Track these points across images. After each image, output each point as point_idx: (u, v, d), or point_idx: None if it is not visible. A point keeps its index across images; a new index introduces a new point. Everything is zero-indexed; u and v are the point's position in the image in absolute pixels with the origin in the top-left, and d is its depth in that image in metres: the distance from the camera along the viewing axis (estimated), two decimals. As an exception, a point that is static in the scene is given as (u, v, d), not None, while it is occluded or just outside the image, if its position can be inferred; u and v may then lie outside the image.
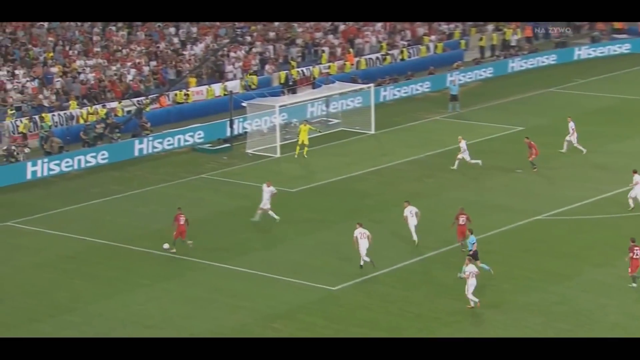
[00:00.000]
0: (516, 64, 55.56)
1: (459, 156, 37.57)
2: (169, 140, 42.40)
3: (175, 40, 51.91)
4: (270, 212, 32.10)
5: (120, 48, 49.87)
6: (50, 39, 49.34)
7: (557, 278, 27.74)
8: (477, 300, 25.82)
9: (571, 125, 39.64)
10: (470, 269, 25.93)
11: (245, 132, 43.34)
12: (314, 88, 48.50)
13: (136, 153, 41.44)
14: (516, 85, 52.09)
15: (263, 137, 42.70)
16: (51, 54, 47.70)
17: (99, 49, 49.31)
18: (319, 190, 36.20)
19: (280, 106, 42.70)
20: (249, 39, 53.49)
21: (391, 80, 51.23)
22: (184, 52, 50.77)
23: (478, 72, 53.79)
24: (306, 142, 40.42)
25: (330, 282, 27.90)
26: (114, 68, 47.72)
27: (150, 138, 42.05)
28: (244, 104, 43.40)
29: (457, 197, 34.75)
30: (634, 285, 26.88)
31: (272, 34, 54.42)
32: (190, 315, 26.10)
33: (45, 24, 50.25)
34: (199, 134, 43.17)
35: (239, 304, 26.73)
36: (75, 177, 38.96)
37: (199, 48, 51.38)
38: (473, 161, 37.46)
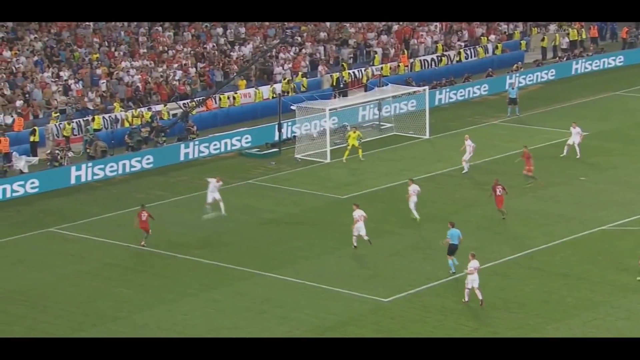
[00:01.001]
0: (580, 66, 54.84)
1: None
2: (215, 145, 42.72)
3: (223, 40, 52.32)
4: (213, 210, 32.64)
5: (166, 49, 50.43)
6: (95, 39, 50.11)
7: (624, 292, 27.26)
8: (480, 297, 26.11)
9: (577, 130, 39.00)
10: (473, 264, 26.23)
11: (294, 137, 43.47)
12: (366, 91, 48.47)
13: (182, 158, 41.82)
14: (580, 88, 51.43)
15: (312, 141, 42.78)
16: (96, 55, 48.43)
17: (144, 50, 49.92)
18: (370, 197, 36.13)
19: (331, 109, 42.73)
20: (298, 39, 53.68)
21: (447, 83, 50.95)
22: (232, 53, 51.14)
23: (539, 75, 53.23)
24: (357, 146, 40.36)
25: (381, 294, 27.81)
26: (160, 70, 48.26)
27: (197, 142, 42.41)
28: (293, 107, 43.53)
29: (516, 206, 34.39)
30: None
31: (323, 34, 54.53)
32: (236, 325, 26.22)
33: (91, 24, 51.03)
34: (247, 138, 43.42)
35: (288, 315, 26.78)
36: (119, 182, 39.45)
37: (247, 49, 51.71)
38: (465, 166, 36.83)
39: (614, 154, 39.86)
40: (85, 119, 43.60)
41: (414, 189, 32.74)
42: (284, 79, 48.69)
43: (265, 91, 48.63)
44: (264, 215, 34.85)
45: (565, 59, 55.92)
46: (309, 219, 34.09)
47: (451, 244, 28.75)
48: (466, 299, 26.81)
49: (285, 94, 46.86)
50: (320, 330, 25.73)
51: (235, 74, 48.42)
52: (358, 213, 30.76)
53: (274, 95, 47.62)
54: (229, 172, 40.15)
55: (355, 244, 30.76)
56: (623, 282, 27.96)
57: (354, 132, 41.00)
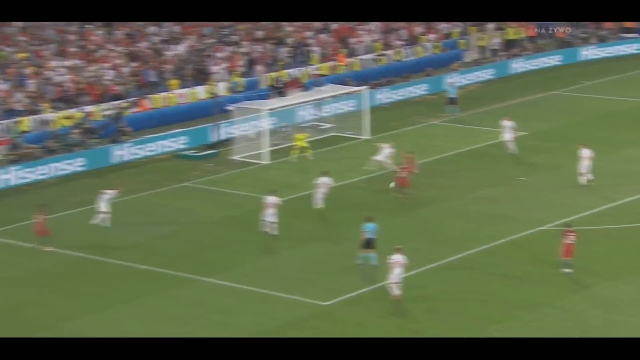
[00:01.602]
0: (519, 65, 55.74)
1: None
2: (150, 146, 42.35)
3: (157, 39, 51.89)
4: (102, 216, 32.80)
5: (97, 48, 49.82)
6: (23, 38, 49.24)
7: (564, 293, 27.76)
8: (398, 292, 26.47)
9: (508, 124, 39.74)
10: (396, 257, 26.56)
11: (232, 138, 43.34)
12: (304, 91, 48.56)
13: (115, 160, 41.36)
14: (519, 87, 52.28)
15: (251, 142, 42.72)
16: (24, 54, 47.60)
17: (75, 49, 49.24)
18: (310, 199, 36.16)
19: (269, 110, 42.73)
20: (235, 38, 53.54)
21: (386, 83, 51.34)
22: (167, 52, 50.76)
23: (478, 74, 53.97)
24: (306, 145, 40.50)
25: (322, 297, 27.89)
26: (91, 69, 47.66)
27: (130, 144, 41.98)
28: (229, 108, 43.39)
29: (456, 207, 34.82)
30: (567, 270, 27.88)
31: (259, 33, 54.48)
32: (173, 333, 26.01)
33: (19, 22, 50.17)
34: (183, 140, 43.14)
35: (226, 320, 26.68)
36: (50, 185, 38.85)
37: (182, 47, 51.38)
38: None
39: (553, 154, 40.60)
40: (12, 120, 42.81)
41: (324, 181, 33.68)
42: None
43: (201, 91, 48.37)
44: (201, 219, 34.67)
45: (504, 57, 56.75)
46: (247, 222, 34.00)
47: (368, 238, 29.15)
48: (392, 294, 26.94)
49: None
50: (260, 336, 25.65)
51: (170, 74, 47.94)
52: (272, 199, 31.24)
53: (210, 96, 47.39)
54: (164, 175, 39.86)
55: (267, 230, 31.25)
56: (563, 283, 28.48)
57: (302, 135, 40.99)
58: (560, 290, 27.93)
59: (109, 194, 33.37)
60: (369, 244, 29.35)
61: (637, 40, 59.90)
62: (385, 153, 38.16)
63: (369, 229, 29.46)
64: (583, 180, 36.21)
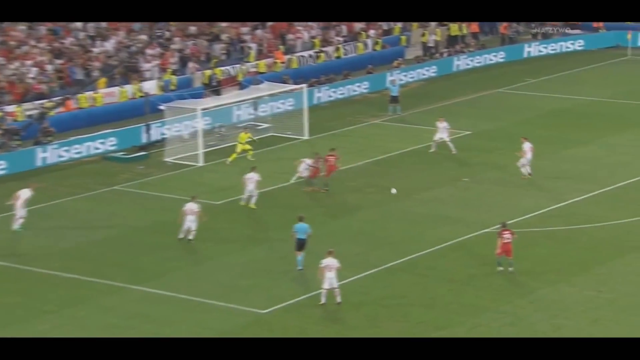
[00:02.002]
0: (462, 62, 56.43)
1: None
2: (76, 148, 41.86)
3: (82, 35, 51.31)
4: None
5: (19, 44, 49.07)
6: (-62, 33, 48.33)
7: (509, 297, 28.18)
8: (339, 300, 27.06)
9: (442, 125, 40.69)
10: (327, 261, 27.02)
11: (164, 139, 43.06)
12: (240, 89, 48.47)
13: (39, 163, 40.81)
14: (462, 85, 52.91)
15: (184, 143, 42.50)
16: (-60, 51, 46.74)
17: (-5, 45, 48.49)
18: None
19: (203, 109, 42.56)
20: (166, 34, 53.21)
21: (326, 81, 51.51)
22: (94, 49, 50.23)
23: (420, 71, 54.47)
24: (246, 147, 40.72)
25: (260, 305, 27.89)
26: (12, 67, 46.93)
27: (55, 146, 41.46)
28: (161, 107, 43.12)
29: (399, 209, 35.11)
30: (501, 268, 29.02)
31: (192, 29, 54.23)
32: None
33: None
34: (111, 141, 42.73)
35: (159, 331, 26.51)
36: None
37: (110, 44, 50.90)
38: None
39: (498, 154, 41.16)
40: None
41: (251, 176, 34.69)
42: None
43: (131, 90, 47.98)
44: (132, 224, 34.40)
45: (446, 54, 57.39)
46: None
47: (298, 239, 29.44)
48: (323, 301, 27.30)
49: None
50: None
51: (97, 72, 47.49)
52: (191, 206, 31.78)
53: (141, 95, 47.03)
54: (92, 178, 39.47)
55: (182, 236, 31.93)
56: (508, 287, 28.91)
57: (245, 134, 41.11)
58: (505, 294, 28.34)
59: (23, 195, 32.97)
60: (300, 246, 29.53)
61: (581, 36, 61.09)
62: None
63: (299, 230, 29.65)
64: (525, 170, 36.91)
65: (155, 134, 43.34)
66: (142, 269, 30.59)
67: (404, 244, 31.98)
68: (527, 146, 37.68)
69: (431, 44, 58.39)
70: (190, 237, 32.16)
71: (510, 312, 27.29)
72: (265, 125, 45.41)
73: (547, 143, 42.11)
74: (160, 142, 42.92)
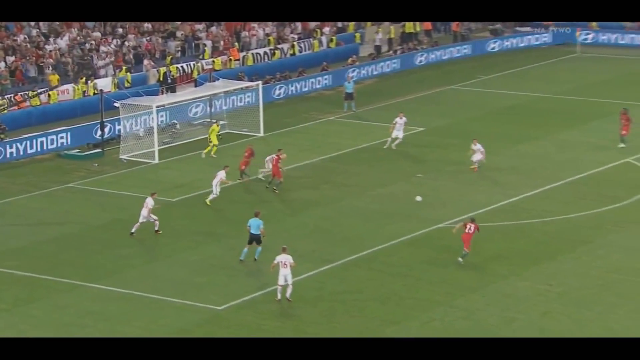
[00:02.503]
0: (416, 59, 56.75)
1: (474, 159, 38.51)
2: (29, 145, 41.39)
3: (35, 32, 50.74)
4: None
5: (-29, 41, 48.46)
6: None
7: (462, 291, 28.45)
8: (283, 296, 27.28)
9: (403, 120, 41.06)
10: (281, 258, 27.26)
11: (119, 136, 42.77)
12: (195, 86, 48.28)
13: (-8, 160, 40.36)
14: (416, 82, 53.22)
15: (139, 141, 42.24)
16: None
17: (-54, 42, 47.79)
18: (202, 199, 36.06)
19: (158, 106, 42.35)
20: (121, 31, 52.82)
21: (281, 78, 51.50)
22: (47, 46, 49.70)
23: (375, 68, 54.68)
24: (215, 142, 40.61)
25: (216, 302, 27.85)
26: (-36, 64, 46.31)
27: (8, 143, 40.95)
28: (116, 105, 42.82)
29: (354, 205, 35.25)
30: (460, 260, 29.57)
31: (147, 26, 53.89)
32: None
33: None
34: (65, 138, 42.34)
35: (114, 328, 26.37)
36: None
37: (63, 42, 50.40)
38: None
39: (451, 150, 41.47)
40: None
41: (221, 175, 34.82)
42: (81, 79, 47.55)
43: (85, 87, 47.52)
44: (87, 222, 34.13)
45: (400, 51, 57.69)
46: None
47: (251, 234, 29.87)
48: (278, 297, 27.42)
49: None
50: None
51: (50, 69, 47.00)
52: (150, 202, 32.08)
53: (95, 92, 46.66)
54: (46, 176, 39.08)
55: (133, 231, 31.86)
56: (461, 281, 29.18)
57: (217, 126, 41.28)
58: (458, 289, 28.60)
59: None
60: (251, 240, 29.89)
61: (532, 33, 61.77)
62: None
63: (252, 224, 30.02)
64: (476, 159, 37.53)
65: (110, 131, 43.01)
66: (97, 266, 30.39)
67: (359, 240, 32.12)
68: (477, 147, 37.86)
69: (377, 43, 58.50)
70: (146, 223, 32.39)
71: (463, 306, 27.55)
72: (221, 122, 45.27)
73: (499, 139, 42.55)
74: (115, 140, 42.62)
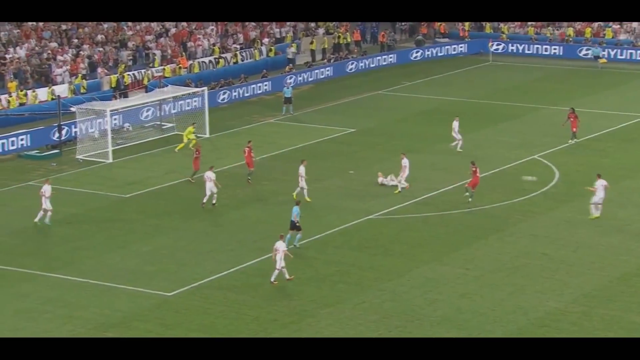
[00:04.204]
0: (347, 67, 56.98)
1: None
2: (-9, 147, 40.55)
3: (-4, 42, 49.68)
4: None
5: None
6: None
7: (389, 276, 28.64)
8: (272, 280, 27.48)
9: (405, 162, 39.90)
10: (277, 245, 27.49)
11: (75, 138, 42.13)
12: (146, 92, 47.77)
13: (-44, 161, 39.38)
14: (347, 87, 53.38)
15: (94, 142, 41.68)
16: None
17: None
18: (154, 195, 35.72)
19: (111, 110, 41.84)
20: (76, 41, 51.99)
21: (225, 84, 51.24)
22: (7, 55, 48.68)
23: (310, 75, 54.74)
24: (184, 141, 40.35)
25: (165, 288, 27.62)
26: None
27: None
28: (73, 109, 42.19)
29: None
30: (467, 194, 33.35)
31: (100, 37, 53.14)
32: (17, 327, 25.11)
33: None
34: (25, 140, 41.53)
35: (72, 314, 25.99)
36: None
37: (22, 51, 49.41)
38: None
39: (379, 149, 41.71)
40: None
41: (209, 175, 34.07)
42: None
43: (43, 93, 46.71)
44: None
45: (333, 60, 57.83)
46: (92, 219, 33.23)
47: (292, 221, 30.11)
48: (272, 279, 27.55)
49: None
50: (105, 327, 25.19)
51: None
52: (211, 175, 32.92)
53: (53, 98, 45.85)
54: (7, 175, 38.30)
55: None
56: (388, 266, 29.38)
57: (192, 127, 40.93)
58: (386, 274, 28.78)
59: None
60: (291, 226, 30.08)
61: (450, 44, 62.44)
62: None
63: (294, 212, 29.97)
64: (400, 184, 35.93)
65: (67, 133, 42.35)
66: (55, 257, 29.91)
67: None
68: (405, 162, 35.79)
69: (290, 56, 57.87)
70: (214, 201, 33.45)
71: (390, 289, 27.73)
72: (170, 125, 44.92)
73: (421, 138, 42.94)
74: (72, 141, 42.01)
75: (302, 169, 34.54)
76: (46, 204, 31.83)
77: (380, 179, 36.39)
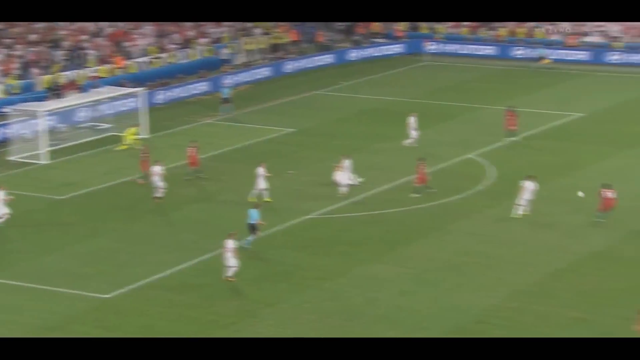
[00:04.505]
0: (285, 67, 57.04)
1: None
2: None
3: None
4: None
5: None
6: None
7: (330, 275, 28.78)
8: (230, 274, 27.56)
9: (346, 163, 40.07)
10: (226, 244, 27.51)
11: (8, 139, 41.32)
12: (81, 92, 47.09)
13: None
14: (286, 87, 53.44)
15: (28, 143, 40.94)
16: None
17: None
18: (91, 196, 35.27)
19: (46, 111, 41.17)
20: (8, 41, 50.98)
21: (162, 84, 50.83)
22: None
23: (248, 75, 54.67)
24: (125, 142, 40.07)
25: (103, 290, 27.32)
26: None
27: None
28: (5, 110, 41.39)
29: (231, 200, 35.16)
30: (603, 220, 31.99)
31: (33, 36, 52.21)
32: (-47, 334, 24.54)
33: None
34: (-43, 142, 40.63)
35: (7, 318, 25.53)
36: None
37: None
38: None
39: (319, 149, 41.85)
40: None
41: (156, 169, 34.27)
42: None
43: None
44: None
45: (269, 60, 57.85)
46: (27, 221, 32.65)
47: (248, 223, 30.01)
48: (227, 275, 27.50)
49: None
50: (42, 331, 24.78)
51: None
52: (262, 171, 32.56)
53: (-15, 97, 44.91)
54: (-62, 177, 37.36)
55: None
56: (329, 266, 29.51)
57: (136, 128, 40.56)
58: (327, 273, 28.90)
59: None
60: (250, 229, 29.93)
61: (386, 44, 63.01)
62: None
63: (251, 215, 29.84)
64: (352, 182, 36.17)
65: (0, 135, 41.53)
66: (-10, 261, 29.30)
67: (237, 231, 31.98)
68: (345, 163, 35.93)
69: (224, 57, 57.87)
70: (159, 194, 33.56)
71: (331, 288, 27.87)
72: (106, 125, 44.40)
73: (360, 138, 43.22)
74: (5, 142, 41.19)
75: (261, 170, 34.38)
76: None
77: (338, 178, 35.65)
